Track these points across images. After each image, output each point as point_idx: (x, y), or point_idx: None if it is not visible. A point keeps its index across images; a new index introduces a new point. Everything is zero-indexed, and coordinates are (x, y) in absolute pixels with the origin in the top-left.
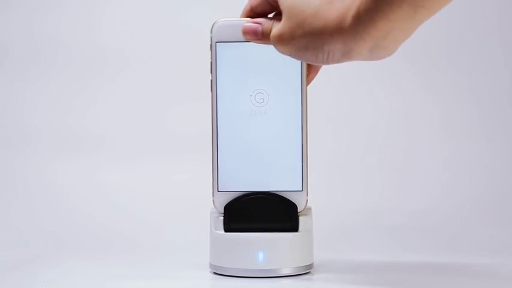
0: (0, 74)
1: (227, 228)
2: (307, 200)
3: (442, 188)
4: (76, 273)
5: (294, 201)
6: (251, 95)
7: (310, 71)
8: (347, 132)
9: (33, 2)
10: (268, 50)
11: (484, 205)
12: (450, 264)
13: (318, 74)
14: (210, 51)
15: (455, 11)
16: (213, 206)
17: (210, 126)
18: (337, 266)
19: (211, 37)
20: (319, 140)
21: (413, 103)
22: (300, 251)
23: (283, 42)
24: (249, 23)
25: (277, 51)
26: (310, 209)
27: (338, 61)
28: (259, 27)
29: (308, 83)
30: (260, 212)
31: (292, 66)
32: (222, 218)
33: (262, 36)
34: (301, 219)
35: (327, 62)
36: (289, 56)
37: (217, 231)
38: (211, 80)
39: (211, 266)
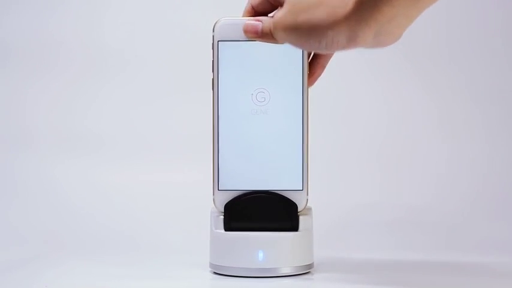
0: (1, 74)
1: (227, 228)
2: (307, 200)
3: (442, 186)
4: (76, 273)
5: (294, 201)
6: (252, 94)
7: (316, 67)
8: (347, 132)
9: (35, 2)
10: (270, 49)
11: (484, 203)
12: (449, 262)
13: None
14: (212, 50)
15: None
16: (213, 205)
17: (211, 125)
18: (337, 266)
19: (213, 36)
20: (319, 140)
21: (413, 102)
22: (300, 250)
23: (286, 29)
24: (250, 21)
25: (278, 51)
26: (310, 208)
27: (343, 47)
28: (259, 25)
29: (314, 80)
30: (260, 211)
31: (294, 65)
32: (222, 217)
33: (262, 34)
34: (301, 218)
35: (331, 49)
36: (291, 44)
37: (218, 230)
38: (213, 79)
39: (211, 265)
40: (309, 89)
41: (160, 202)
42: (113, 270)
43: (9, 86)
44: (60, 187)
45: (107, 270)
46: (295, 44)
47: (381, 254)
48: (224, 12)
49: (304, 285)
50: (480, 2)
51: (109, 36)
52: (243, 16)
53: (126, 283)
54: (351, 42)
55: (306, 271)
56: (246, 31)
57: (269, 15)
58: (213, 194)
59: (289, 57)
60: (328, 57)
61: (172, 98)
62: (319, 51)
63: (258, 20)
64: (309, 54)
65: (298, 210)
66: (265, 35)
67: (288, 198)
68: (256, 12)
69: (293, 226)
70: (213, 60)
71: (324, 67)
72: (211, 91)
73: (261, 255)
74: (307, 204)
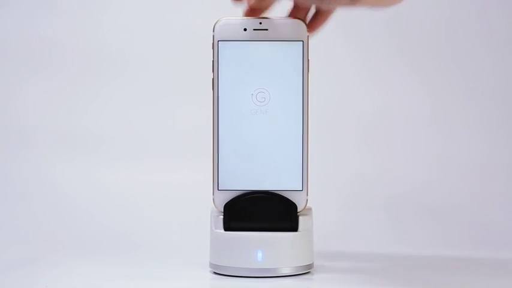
0: (0, 73)
1: (227, 227)
2: (307, 200)
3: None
4: (75, 273)
5: (294, 201)
6: (252, 94)
7: (319, 17)
8: (348, 132)
9: (33, 2)
10: (270, 49)
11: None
12: (452, 259)
13: (318, 75)
14: (212, 49)
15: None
16: (213, 205)
17: (211, 125)
18: (337, 266)
19: (213, 36)
20: (319, 140)
21: (414, 102)
22: (299, 250)
23: None
24: None
25: (278, 51)
26: (310, 209)
27: (346, 4)
28: None
29: (316, 28)
30: (260, 211)
31: (294, 65)
32: (222, 217)
33: None
34: (301, 219)
35: (334, 4)
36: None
37: (217, 230)
38: (213, 79)
39: (211, 265)
40: (309, 89)
41: (160, 202)
42: (113, 270)
43: (7, 85)
44: (60, 187)
45: (107, 270)
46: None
47: (381, 254)
48: (224, 12)
49: (304, 285)
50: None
51: (109, 36)
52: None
53: (126, 283)
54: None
55: (306, 271)
56: None
57: None
58: (213, 194)
59: (289, 57)
60: (329, 13)
61: (172, 98)
62: (321, 6)
63: None
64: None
65: (298, 211)
66: None
67: (288, 199)
68: (254, 10)
69: (293, 226)
70: (213, 60)
71: (326, 17)
72: (211, 91)
73: (260, 255)
74: (307, 205)
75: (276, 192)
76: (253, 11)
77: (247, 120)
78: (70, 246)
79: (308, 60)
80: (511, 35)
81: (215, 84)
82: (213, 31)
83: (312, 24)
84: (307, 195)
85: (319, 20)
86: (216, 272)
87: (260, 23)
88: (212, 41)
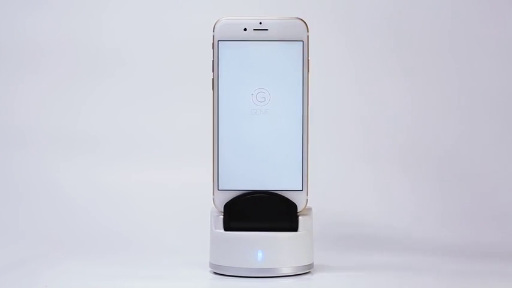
0: None
1: (227, 227)
2: (307, 200)
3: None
4: (75, 273)
5: (294, 201)
6: (252, 94)
7: None
8: (347, 132)
9: (25, 1)
10: (270, 49)
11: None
12: (451, 264)
13: (318, 75)
14: (212, 49)
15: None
16: (213, 205)
17: (211, 124)
18: (337, 266)
19: (213, 36)
20: (319, 140)
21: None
22: (299, 250)
23: None
24: None
25: (278, 51)
26: (310, 209)
27: None
28: None
29: None
30: (260, 211)
31: (294, 65)
32: (222, 217)
33: None
34: (301, 219)
35: None
36: None
37: (217, 230)
38: (213, 79)
39: (211, 265)
40: (309, 89)
41: (160, 202)
42: (113, 270)
43: (2, 85)
44: (59, 187)
45: (107, 270)
46: None
47: (381, 254)
48: (224, 12)
49: (304, 285)
50: None
51: (107, 35)
52: None
53: (126, 283)
54: None
55: (305, 271)
56: None
57: None
58: (213, 194)
59: (289, 57)
60: None
61: (172, 98)
62: None
63: None
64: None
65: (298, 211)
66: None
67: (288, 199)
68: None
69: (293, 226)
70: (213, 60)
71: None
72: (211, 91)
73: (260, 255)
74: (307, 205)
75: (276, 192)
76: None
77: (247, 120)
78: (69, 246)
79: (308, 60)
80: None
81: (215, 84)
82: (213, 31)
83: None
84: (307, 195)
85: None
86: (216, 272)
87: (260, 23)
88: (212, 41)
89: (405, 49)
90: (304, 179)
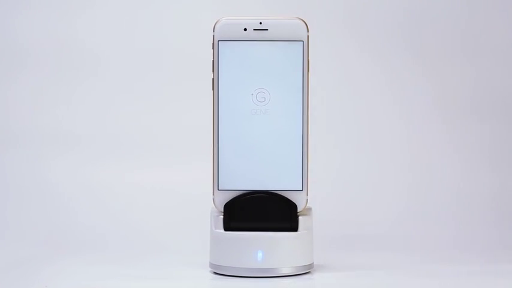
0: None
1: (227, 227)
2: (307, 200)
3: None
4: (75, 273)
5: (294, 201)
6: (252, 94)
7: None
8: (348, 132)
9: (12, 2)
10: (270, 49)
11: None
12: (452, 265)
13: (319, 77)
14: (212, 49)
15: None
16: (213, 204)
17: (211, 124)
18: (337, 266)
19: (213, 35)
20: (319, 140)
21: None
22: (299, 250)
23: None
24: None
25: (278, 51)
26: (310, 209)
27: None
28: None
29: None
30: (260, 211)
31: (294, 65)
32: (222, 217)
33: None
34: (301, 219)
35: None
36: None
37: (217, 230)
38: (213, 79)
39: (211, 265)
40: (309, 89)
41: (160, 202)
42: (112, 270)
43: None
44: (52, 187)
45: (106, 270)
46: None
47: (381, 253)
48: (224, 12)
49: (304, 285)
50: None
51: (105, 34)
52: None
53: (126, 283)
54: None
55: (306, 271)
56: None
57: None
58: (213, 194)
59: (289, 57)
60: None
61: (172, 98)
62: None
63: None
64: None
65: (298, 211)
66: None
67: (288, 199)
68: None
69: (293, 226)
70: (213, 60)
71: None
72: (211, 91)
73: (260, 255)
74: (307, 205)
75: (276, 192)
76: None
77: (247, 120)
78: (69, 246)
79: (308, 60)
80: None
81: (215, 84)
82: (213, 31)
83: None
84: (307, 195)
85: None
86: (216, 272)
87: (260, 23)
88: (212, 41)
89: (405, 49)
90: (304, 179)
